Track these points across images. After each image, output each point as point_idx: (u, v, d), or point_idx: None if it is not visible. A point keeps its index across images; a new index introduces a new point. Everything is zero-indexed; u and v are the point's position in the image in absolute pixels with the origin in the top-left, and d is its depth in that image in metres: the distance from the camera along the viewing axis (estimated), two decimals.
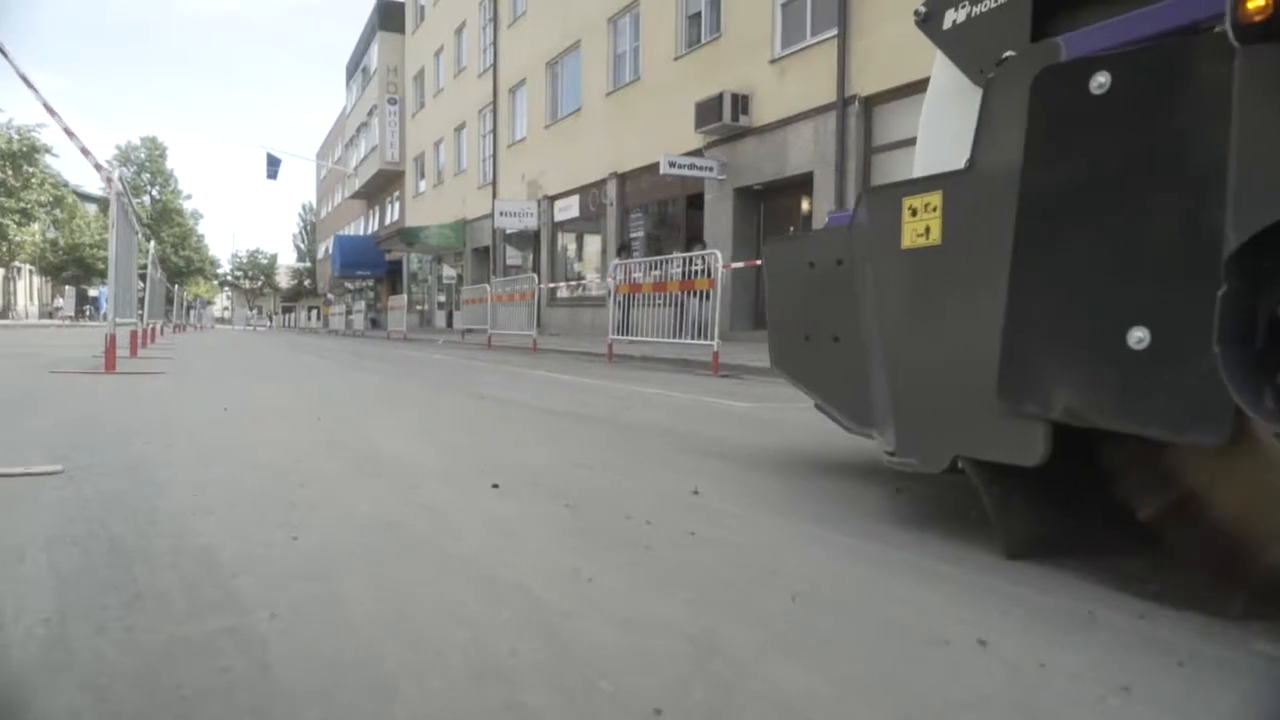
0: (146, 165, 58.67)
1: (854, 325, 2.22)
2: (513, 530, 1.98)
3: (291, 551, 1.75)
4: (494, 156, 25.92)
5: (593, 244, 20.93)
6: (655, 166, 15.88)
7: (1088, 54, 1.52)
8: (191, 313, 37.11)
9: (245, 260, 73.76)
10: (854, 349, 2.23)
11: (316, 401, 5.14)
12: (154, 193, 58.80)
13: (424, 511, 2.15)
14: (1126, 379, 1.41)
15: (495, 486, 2.46)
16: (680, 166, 14.39)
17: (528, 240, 23.62)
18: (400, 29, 36.75)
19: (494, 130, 25.95)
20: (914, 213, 1.88)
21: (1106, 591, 1.57)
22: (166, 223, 57.96)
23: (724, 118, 13.77)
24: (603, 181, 19.02)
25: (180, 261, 58.31)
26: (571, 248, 22.41)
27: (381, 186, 39.98)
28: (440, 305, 32.95)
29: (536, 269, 21.45)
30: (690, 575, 1.65)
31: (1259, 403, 1.19)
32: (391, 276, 38.32)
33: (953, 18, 2.09)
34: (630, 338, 10.95)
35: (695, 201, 15.70)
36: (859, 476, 2.70)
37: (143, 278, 12.84)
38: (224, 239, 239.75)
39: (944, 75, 2.17)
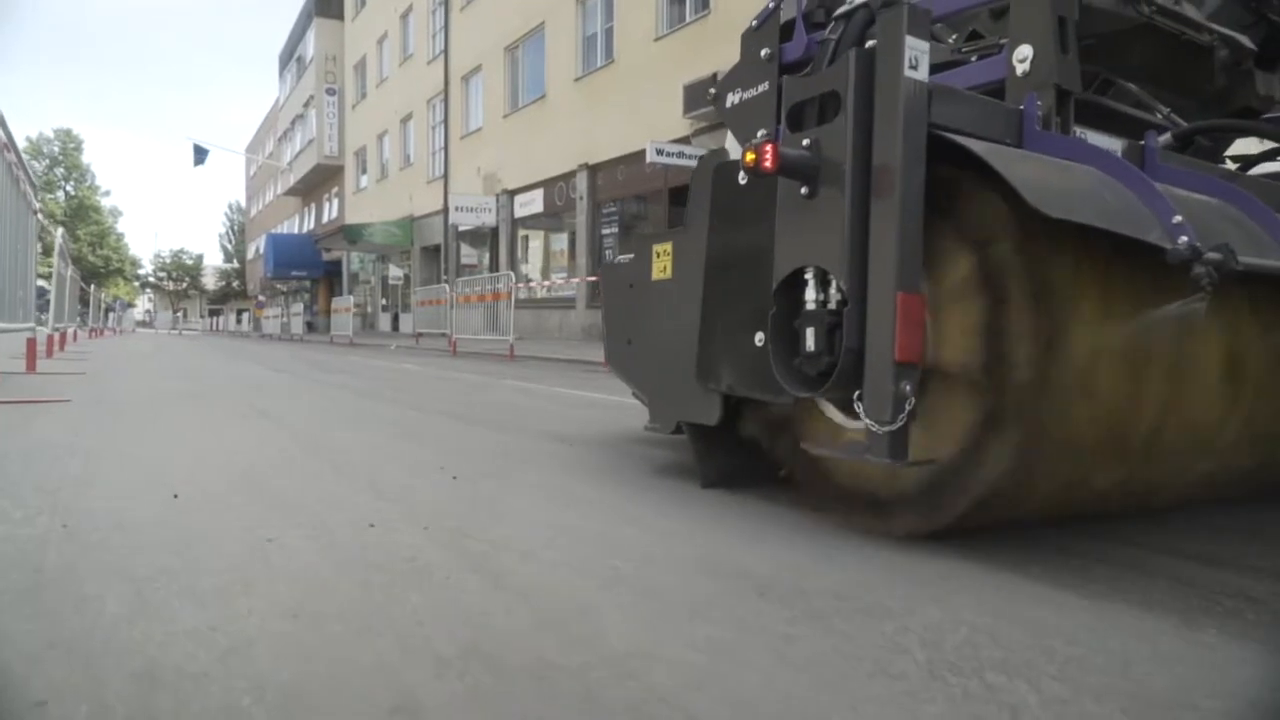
0: (60, 159, 55.13)
1: None
2: None
3: None
4: (445, 149, 24.24)
5: (559, 241, 19.51)
6: (631, 157, 14.66)
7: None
8: (110, 315, 34.34)
9: (169, 260, 69.64)
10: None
11: (332, 461, 3.13)
12: (69, 188, 55.23)
13: None
14: (754, 364, 2.27)
15: None
16: (668, 155, 13.12)
17: (484, 238, 22.04)
18: (339, 15, 34.65)
19: (445, 121, 24.29)
20: (658, 255, 2.77)
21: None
22: (83, 220, 54.53)
23: None
24: (571, 174, 17.62)
25: (98, 261, 54.89)
26: (534, 245, 20.94)
27: (319, 182, 37.77)
28: (385, 307, 31.12)
29: (494, 268, 19.88)
30: None
31: (788, 378, 2.07)
32: (330, 277, 36.16)
33: (732, 100, 2.91)
34: None
35: (678, 195, 14.44)
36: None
37: (51, 276, 11.03)
38: (146, 238, 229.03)
39: (730, 141, 2.98)
